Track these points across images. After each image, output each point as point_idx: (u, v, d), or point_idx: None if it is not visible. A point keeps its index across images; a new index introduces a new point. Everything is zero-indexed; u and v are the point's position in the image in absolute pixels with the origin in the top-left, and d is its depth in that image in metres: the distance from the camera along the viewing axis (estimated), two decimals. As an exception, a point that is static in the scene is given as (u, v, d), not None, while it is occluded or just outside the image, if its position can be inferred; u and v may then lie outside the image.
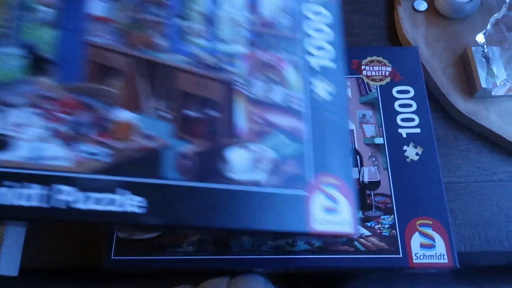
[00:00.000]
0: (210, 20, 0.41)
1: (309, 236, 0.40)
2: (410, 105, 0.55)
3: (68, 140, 0.34)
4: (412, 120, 0.54)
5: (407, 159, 0.52)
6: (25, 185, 0.32)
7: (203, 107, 0.38)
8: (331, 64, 0.44)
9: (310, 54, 0.43)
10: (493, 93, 0.59)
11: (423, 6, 0.68)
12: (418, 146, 0.52)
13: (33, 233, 0.53)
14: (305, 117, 0.41)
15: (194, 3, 0.41)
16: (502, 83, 0.58)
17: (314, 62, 0.43)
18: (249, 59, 0.41)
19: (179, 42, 0.39)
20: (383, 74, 0.57)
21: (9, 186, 0.31)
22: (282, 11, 0.43)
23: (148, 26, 0.39)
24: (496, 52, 0.59)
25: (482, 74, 0.60)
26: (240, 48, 0.41)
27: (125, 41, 0.38)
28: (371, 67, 0.57)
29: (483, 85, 0.59)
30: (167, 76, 0.38)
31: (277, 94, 0.40)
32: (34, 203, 0.32)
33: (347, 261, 0.48)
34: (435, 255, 0.46)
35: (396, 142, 0.53)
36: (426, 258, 0.46)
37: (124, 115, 0.36)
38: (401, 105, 0.55)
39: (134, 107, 0.36)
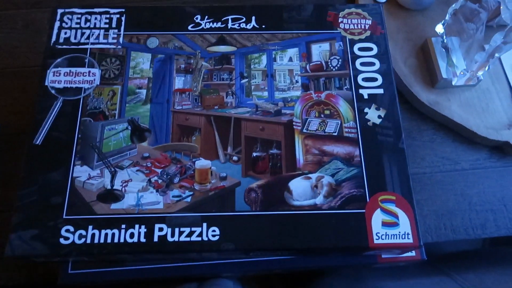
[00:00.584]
0: (268, 75, 0.51)
1: (370, 250, 0.43)
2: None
3: (161, 187, 0.44)
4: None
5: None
6: (133, 226, 0.41)
7: (267, 148, 0.47)
8: (379, 91, 0.49)
9: (359, 86, 0.49)
10: (453, 83, 0.60)
11: (383, -2, 0.67)
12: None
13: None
14: (359, 143, 0.46)
15: (255, 64, 0.51)
16: (461, 73, 0.59)
17: (364, 92, 0.49)
18: (304, 101, 0.49)
19: (244, 97, 0.49)
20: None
21: (123, 228, 0.41)
22: (332, 54, 0.51)
23: (218, 88, 0.50)
24: (455, 43, 0.60)
25: (442, 65, 0.60)
26: (296, 93, 0.49)
27: (200, 104, 0.49)
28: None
29: (444, 75, 0.59)
30: (236, 127, 0.48)
31: (331, 127, 0.47)
32: (140, 239, 0.40)
33: (313, 260, 0.47)
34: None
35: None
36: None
37: (203, 163, 0.45)
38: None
39: (210, 155, 0.46)
